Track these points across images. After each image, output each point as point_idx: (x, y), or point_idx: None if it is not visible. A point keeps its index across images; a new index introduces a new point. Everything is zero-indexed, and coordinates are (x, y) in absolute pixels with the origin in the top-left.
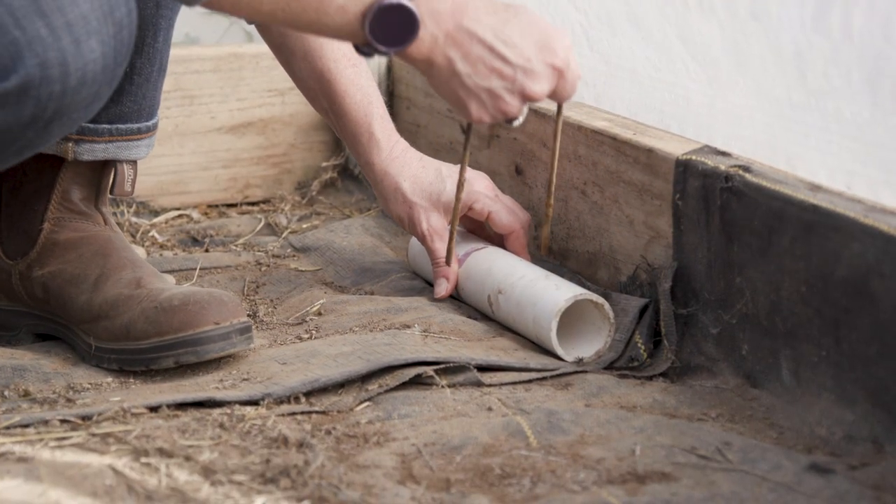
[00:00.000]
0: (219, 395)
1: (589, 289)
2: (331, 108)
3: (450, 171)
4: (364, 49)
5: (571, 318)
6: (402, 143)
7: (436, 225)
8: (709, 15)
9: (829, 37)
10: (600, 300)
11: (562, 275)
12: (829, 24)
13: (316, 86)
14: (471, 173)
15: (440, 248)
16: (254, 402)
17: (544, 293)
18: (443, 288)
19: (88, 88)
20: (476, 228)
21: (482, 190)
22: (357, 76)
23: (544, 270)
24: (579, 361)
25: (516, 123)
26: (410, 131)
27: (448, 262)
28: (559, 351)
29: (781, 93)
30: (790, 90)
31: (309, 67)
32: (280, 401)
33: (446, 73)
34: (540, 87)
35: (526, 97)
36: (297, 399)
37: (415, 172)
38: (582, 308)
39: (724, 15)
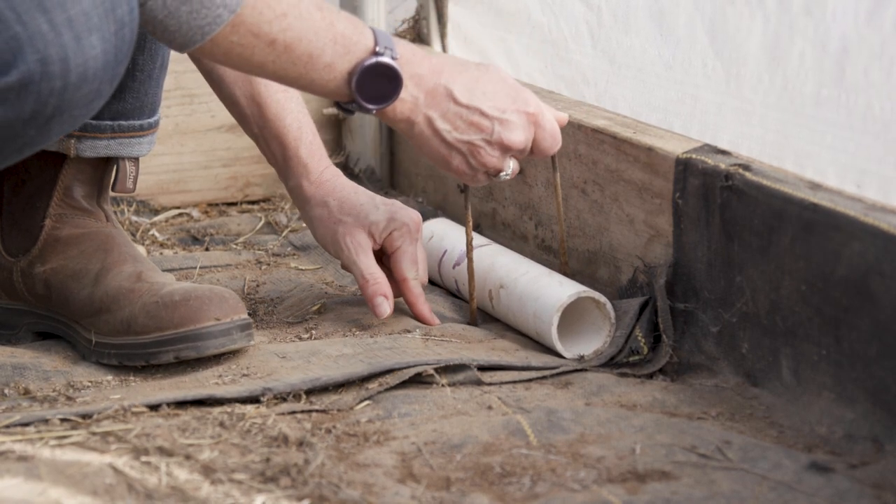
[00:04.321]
0: (219, 391)
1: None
2: (261, 132)
3: (384, 201)
4: (347, 106)
5: (572, 318)
6: (333, 170)
7: (360, 241)
8: (754, 9)
9: (881, 32)
10: (602, 299)
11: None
12: (882, 19)
13: (247, 110)
14: (399, 207)
15: (365, 262)
16: (254, 399)
17: (547, 289)
18: (385, 308)
19: (89, 85)
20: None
21: (407, 223)
22: (287, 100)
23: (547, 269)
24: (580, 359)
25: (504, 176)
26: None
27: (473, 321)
28: (558, 346)
29: (811, 89)
30: (821, 86)
31: (240, 91)
32: (280, 397)
33: (427, 131)
34: (516, 136)
35: (505, 147)
36: (297, 396)
37: (344, 195)
38: (583, 307)
39: (773, 9)
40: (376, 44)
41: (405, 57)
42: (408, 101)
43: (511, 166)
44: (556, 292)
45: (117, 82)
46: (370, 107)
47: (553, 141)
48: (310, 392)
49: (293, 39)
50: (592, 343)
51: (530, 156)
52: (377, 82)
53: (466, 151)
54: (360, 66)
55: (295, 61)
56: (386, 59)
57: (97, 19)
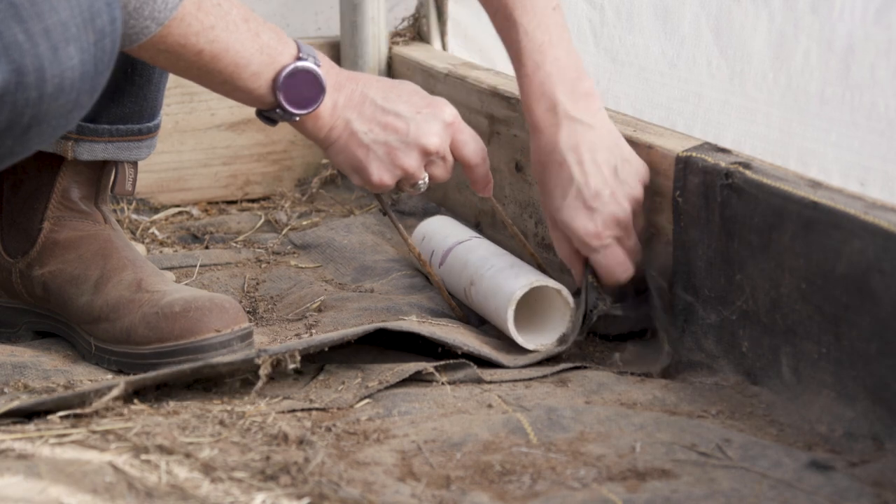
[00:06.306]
0: (214, 360)
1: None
2: None
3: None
4: (270, 114)
5: (542, 306)
6: None
7: (566, 253)
8: (759, 7)
9: (889, 30)
10: (557, 285)
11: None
12: (890, 18)
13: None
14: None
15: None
16: (249, 362)
17: (505, 283)
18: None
19: (67, 96)
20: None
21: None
22: None
23: (513, 259)
24: (564, 347)
25: (420, 185)
26: None
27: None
28: (518, 339)
29: (816, 87)
30: (826, 84)
31: None
32: (277, 358)
33: (345, 134)
34: (432, 139)
35: (421, 149)
36: (293, 356)
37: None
38: (546, 294)
39: (779, 7)
40: (299, 51)
41: (325, 66)
42: (328, 106)
43: (426, 177)
44: (510, 286)
45: (98, 93)
46: (294, 111)
47: (476, 146)
48: (309, 389)
49: (220, 50)
50: (559, 328)
51: (466, 172)
52: (301, 87)
53: (383, 155)
54: (283, 71)
55: (221, 70)
56: (309, 64)
57: (75, 30)
